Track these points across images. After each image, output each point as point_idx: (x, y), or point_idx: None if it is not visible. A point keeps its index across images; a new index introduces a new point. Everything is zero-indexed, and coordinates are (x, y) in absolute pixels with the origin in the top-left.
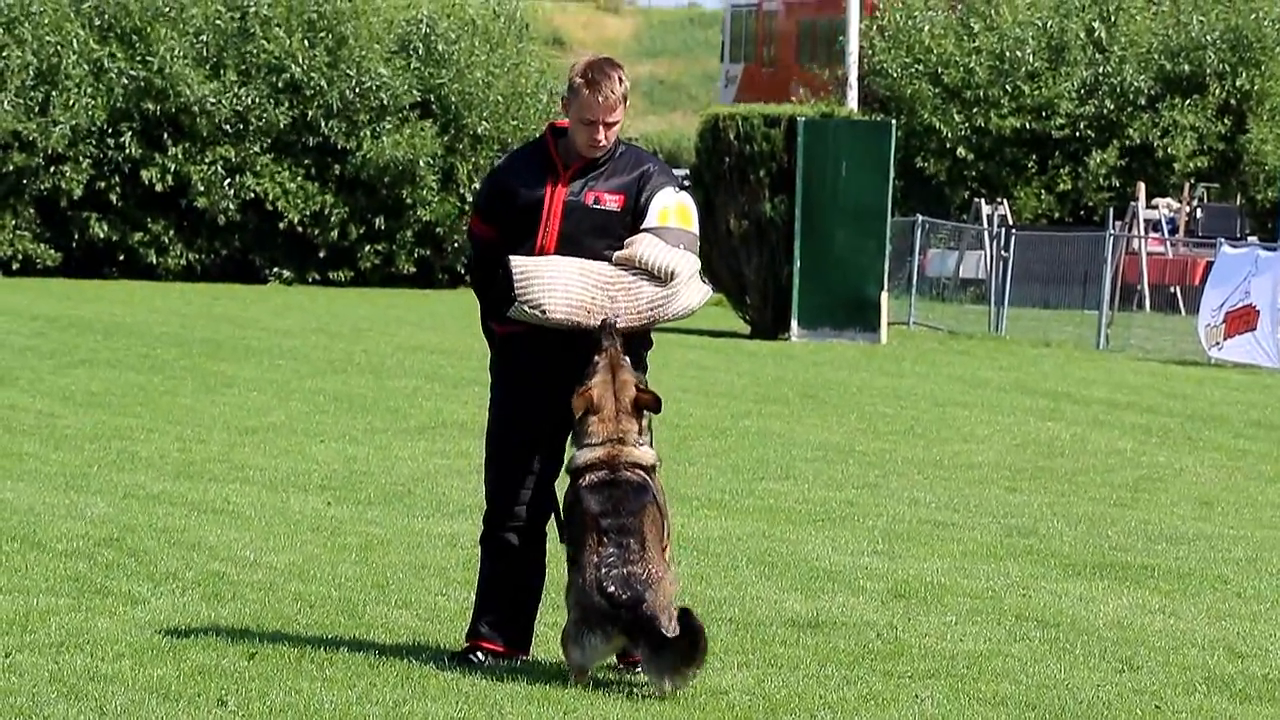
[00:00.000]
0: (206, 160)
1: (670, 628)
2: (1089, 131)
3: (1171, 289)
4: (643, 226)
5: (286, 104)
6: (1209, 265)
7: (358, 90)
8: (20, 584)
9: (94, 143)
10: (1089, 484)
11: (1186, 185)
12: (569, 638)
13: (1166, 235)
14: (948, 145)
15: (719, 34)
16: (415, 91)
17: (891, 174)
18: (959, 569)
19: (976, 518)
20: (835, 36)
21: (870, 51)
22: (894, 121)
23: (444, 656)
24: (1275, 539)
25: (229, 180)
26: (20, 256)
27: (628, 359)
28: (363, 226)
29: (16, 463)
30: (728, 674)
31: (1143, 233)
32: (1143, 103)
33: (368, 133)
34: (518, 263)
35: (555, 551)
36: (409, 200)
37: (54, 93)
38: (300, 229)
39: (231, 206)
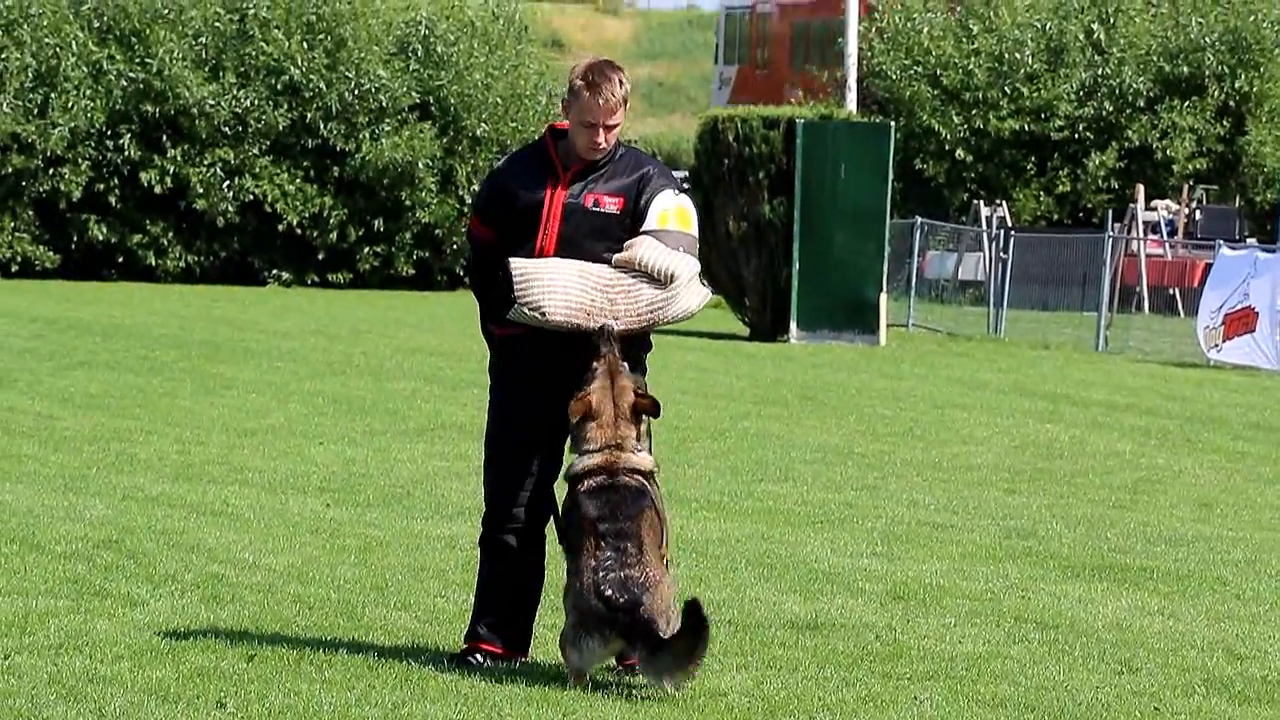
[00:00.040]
0: (205, 162)
1: (668, 631)
2: (1088, 133)
3: (1170, 291)
4: (642, 229)
5: (285, 106)
6: (1208, 267)
7: (356, 92)
8: (19, 586)
9: (93, 145)
10: (1088, 486)
11: (1185, 187)
12: (567, 641)
13: (1165, 237)
14: (946, 147)
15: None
16: (414, 93)
17: (890, 176)
18: (958, 571)
19: (975, 520)
20: (829, 39)
21: (869, 53)
22: (893, 123)
23: (443, 658)
24: (1274, 541)
25: (228, 182)
26: (19, 258)
27: (626, 365)
28: (362, 228)
29: (15, 465)
30: (727, 675)
31: (1142, 234)
32: (1141, 105)
33: (367, 135)
34: (517, 265)
35: (554, 553)
36: (408, 202)
37: (53, 95)
38: (299, 231)
39: (230, 208)
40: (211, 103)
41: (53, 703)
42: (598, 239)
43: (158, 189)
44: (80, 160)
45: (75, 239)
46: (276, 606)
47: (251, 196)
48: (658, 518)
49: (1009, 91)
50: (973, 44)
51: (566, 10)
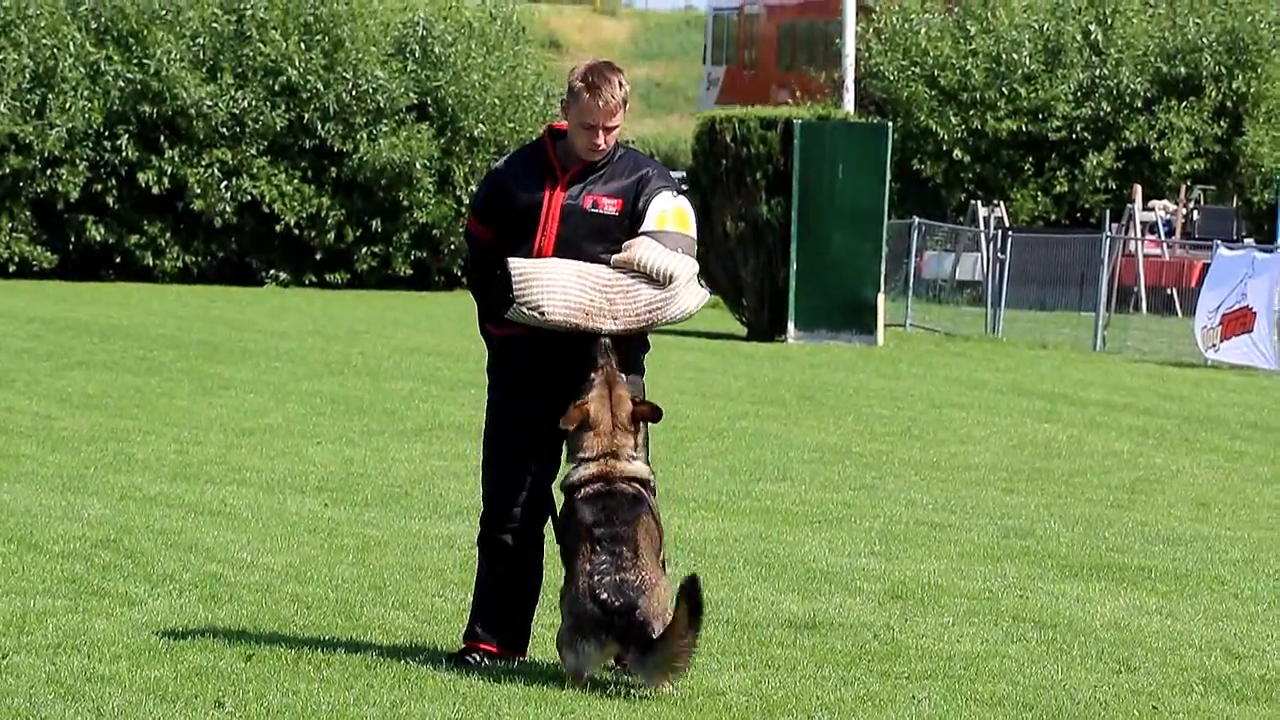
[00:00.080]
0: (203, 163)
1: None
2: (1085, 134)
3: (1168, 291)
4: (641, 230)
5: (283, 106)
6: (1205, 267)
7: (354, 93)
8: (17, 585)
9: (90, 145)
10: (1086, 485)
11: (1183, 187)
12: (564, 644)
13: (1163, 237)
14: (944, 147)
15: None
16: (412, 94)
17: (888, 176)
18: (956, 570)
19: (973, 519)
20: (816, 39)
21: (866, 54)
22: (890, 124)
23: (441, 658)
24: (1272, 540)
25: (225, 183)
26: (17, 259)
27: (623, 376)
28: (359, 229)
29: (13, 464)
30: (725, 675)
31: (1139, 235)
32: (1139, 105)
33: (364, 135)
34: (516, 264)
35: (552, 553)
36: (405, 202)
37: (50, 95)
38: (297, 231)
39: (228, 209)
40: (209, 103)
41: (50, 702)
42: (596, 240)
43: (155, 189)
44: (78, 161)
45: (73, 239)
46: (274, 606)
47: (249, 197)
48: (654, 524)
49: (1006, 92)
50: (970, 44)
51: (564, 11)
